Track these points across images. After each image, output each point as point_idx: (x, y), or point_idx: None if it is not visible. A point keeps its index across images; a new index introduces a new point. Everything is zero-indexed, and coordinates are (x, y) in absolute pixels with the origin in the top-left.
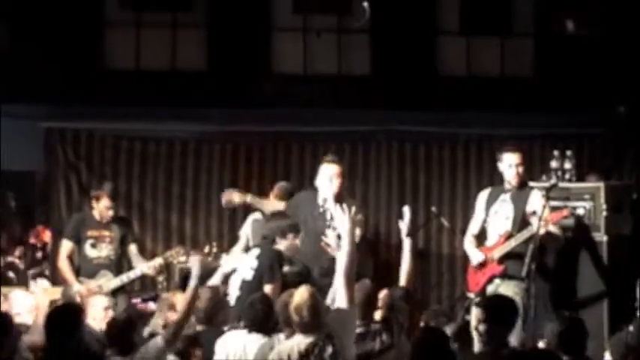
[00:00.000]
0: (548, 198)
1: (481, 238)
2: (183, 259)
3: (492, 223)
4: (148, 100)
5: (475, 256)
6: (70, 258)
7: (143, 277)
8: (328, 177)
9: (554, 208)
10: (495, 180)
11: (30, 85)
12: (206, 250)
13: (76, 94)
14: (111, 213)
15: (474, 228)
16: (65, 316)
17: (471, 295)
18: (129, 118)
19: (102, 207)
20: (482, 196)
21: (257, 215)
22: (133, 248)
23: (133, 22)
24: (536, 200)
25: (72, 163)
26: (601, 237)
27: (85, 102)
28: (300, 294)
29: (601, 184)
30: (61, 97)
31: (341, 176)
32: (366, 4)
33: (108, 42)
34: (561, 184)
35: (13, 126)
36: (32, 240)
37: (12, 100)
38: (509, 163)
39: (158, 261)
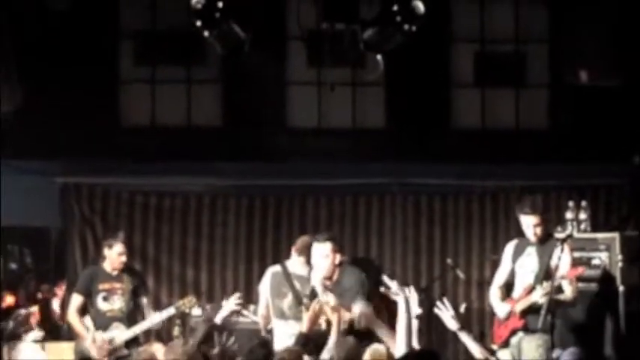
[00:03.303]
0: (563, 249)
1: (507, 290)
2: (195, 308)
3: (519, 276)
4: (163, 155)
5: (501, 307)
6: (83, 311)
7: (159, 330)
8: (318, 257)
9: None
10: (511, 231)
11: (45, 142)
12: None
13: (92, 149)
14: (123, 259)
15: (499, 280)
16: None
17: (495, 347)
18: (144, 173)
19: (114, 254)
20: (509, 248)
21: (276, 268)
22: (144, 300)
23: (148, 79)
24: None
25: (87, 219)
26: (617, 288)
27: (101, 157)
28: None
29: (616, 235)
30: (76, 153)
31: (332, 255)
32: (379, 56)
33: (123, 98)
34: (577, 235)
35: (28, 182)
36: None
37: (28, 157)
38: (526, 224)
39: (170, 311)
